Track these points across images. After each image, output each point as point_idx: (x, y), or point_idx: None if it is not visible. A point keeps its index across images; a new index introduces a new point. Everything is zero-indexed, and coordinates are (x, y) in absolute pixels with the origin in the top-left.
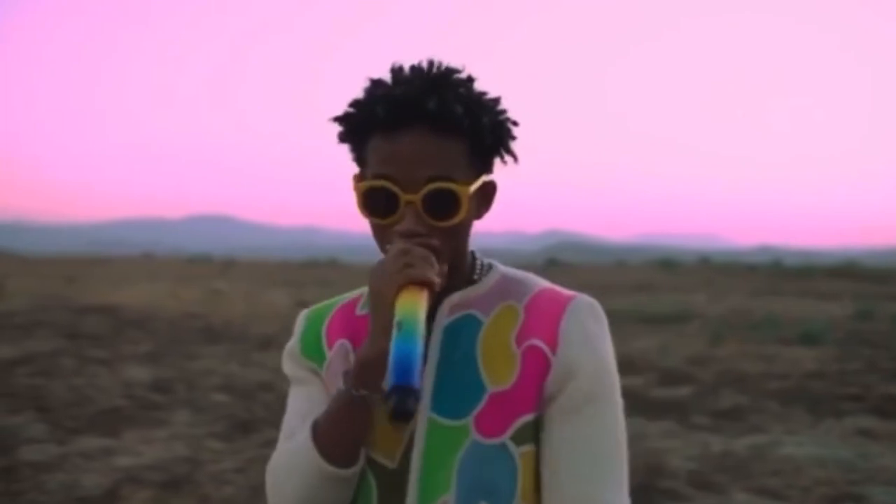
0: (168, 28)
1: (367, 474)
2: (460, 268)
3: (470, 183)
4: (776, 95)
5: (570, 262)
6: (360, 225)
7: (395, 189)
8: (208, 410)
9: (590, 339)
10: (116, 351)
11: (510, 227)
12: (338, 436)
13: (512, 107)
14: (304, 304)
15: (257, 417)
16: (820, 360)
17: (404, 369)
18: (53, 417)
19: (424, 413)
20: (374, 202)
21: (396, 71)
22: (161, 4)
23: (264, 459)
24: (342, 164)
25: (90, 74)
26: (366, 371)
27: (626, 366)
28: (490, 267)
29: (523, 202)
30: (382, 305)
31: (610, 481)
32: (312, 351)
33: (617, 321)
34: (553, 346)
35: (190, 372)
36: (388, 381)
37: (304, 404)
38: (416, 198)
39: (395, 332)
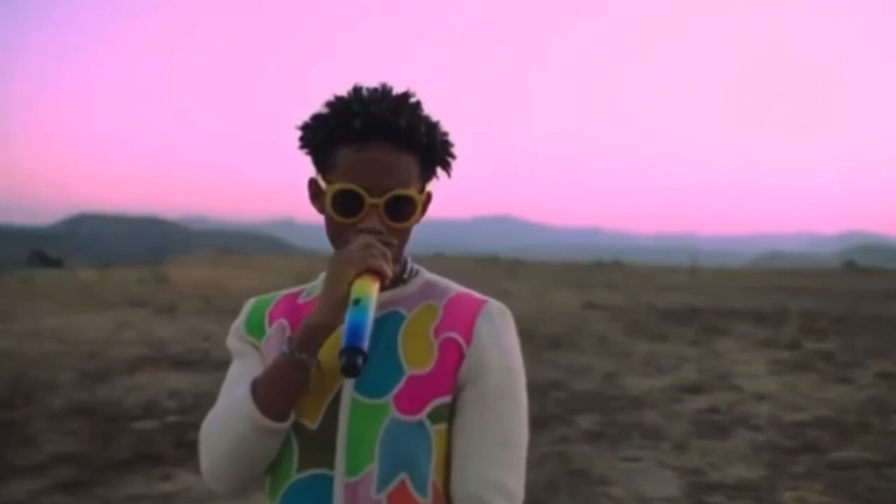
0: (453, 30)
1: (289, 434)
2: (396, 265)
3: (421, 191)
4: None
5: (870, 267)
6: (645, 227)
7: (363, 193)
8: None
9: (500, 339)
10: None
11: (804, 228)
12: (275, 392)
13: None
14: (591, 306)
15: (550, 414)
16: None
17: (358, 334)
18: None
19: (348, 393)
20: (343, 203)
21: (359, 90)
22: (451, 4)
23: (558, 455)
24: (626, 166)
25: (382, 76)
26: (310, 337)
27: None
28: (417, 272)
29: (819, 201)
30: (339, 283)
31: (510, 466)
32: (255, 329)
33: None
34: (468, 340)
35: None
36: (342, 343)
37: (242, 372)
38: (380, 201)
39: (351, 306)
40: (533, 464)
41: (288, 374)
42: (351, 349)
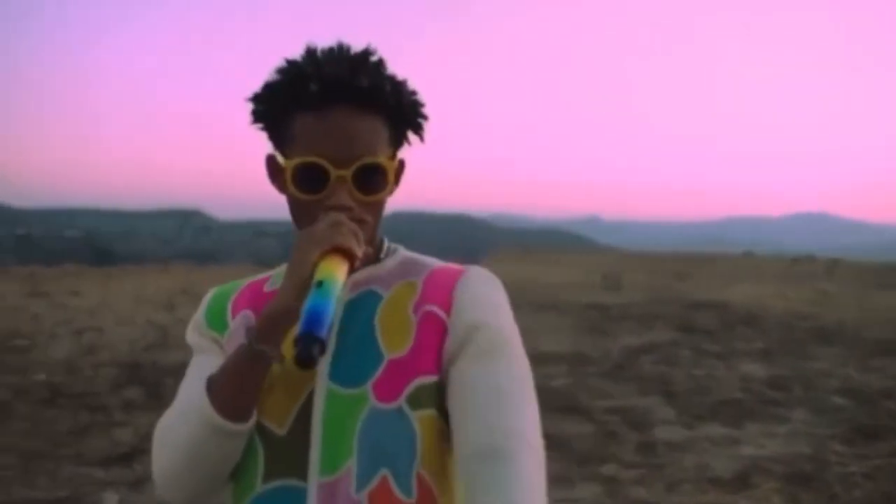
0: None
1: (253, 439)
2: (369, 247)
3: (392, 158)
4: None
5: None
6: None
7: (327, 165)
8: (828, 412)
9: (483, 300)
10: (729, 346)
11: None
12: (232, 389)
13: None
14: None
15: (881, 424)
16: None
17: (315, 320)
18: (679, 403)
19: (323, 382)
20: (306, 178)
21: (312, 52)
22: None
23: (893, 469)
24: None
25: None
26: (270, 325)
27: None
28: (395, 250)
29: None
30: (302, 265)
31: (515, 412)
32: (216, 322)
33: None
34: (447, 309)
35: (806, 372)
36: (298, 330)
37: (202, 371)
38: (347, 173)
39: (313, 289)
40: (866, 476)
41: (246, 368)
42: (306, 336)
